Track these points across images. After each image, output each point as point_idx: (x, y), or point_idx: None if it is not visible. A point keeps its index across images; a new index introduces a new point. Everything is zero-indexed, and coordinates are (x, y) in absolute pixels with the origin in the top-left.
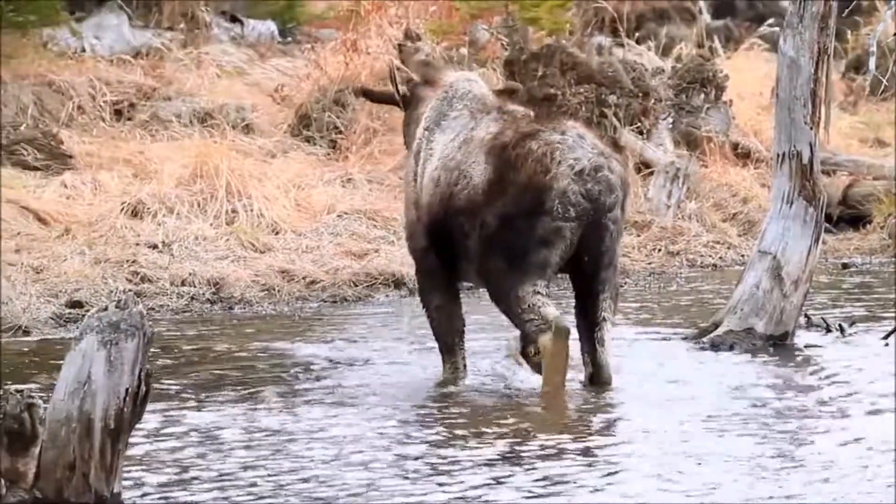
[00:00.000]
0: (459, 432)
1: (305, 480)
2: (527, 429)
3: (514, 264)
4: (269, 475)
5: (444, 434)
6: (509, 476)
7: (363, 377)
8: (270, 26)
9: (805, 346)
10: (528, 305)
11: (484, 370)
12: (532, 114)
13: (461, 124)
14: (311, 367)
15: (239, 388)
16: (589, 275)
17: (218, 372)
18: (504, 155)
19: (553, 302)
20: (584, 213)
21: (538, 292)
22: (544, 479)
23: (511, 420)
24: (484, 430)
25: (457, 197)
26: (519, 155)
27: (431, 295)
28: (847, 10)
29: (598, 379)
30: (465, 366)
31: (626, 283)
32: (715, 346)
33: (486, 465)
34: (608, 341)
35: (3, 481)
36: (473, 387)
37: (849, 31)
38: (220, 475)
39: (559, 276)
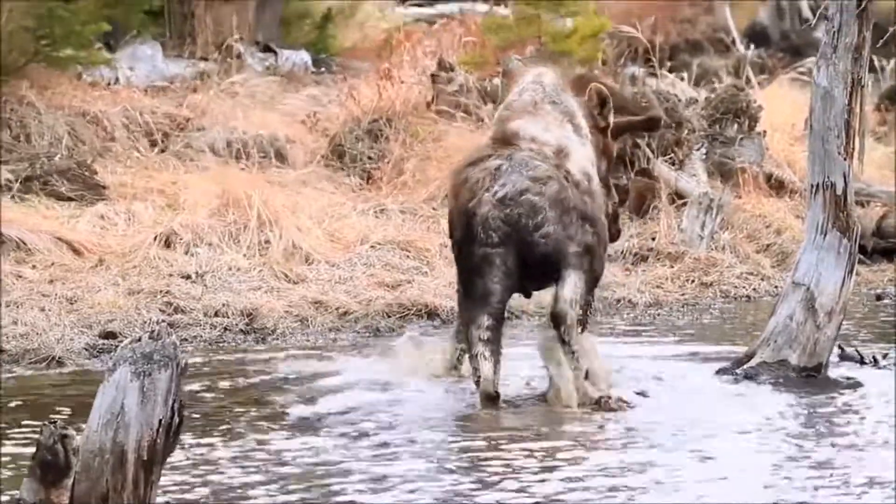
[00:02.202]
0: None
1: None
2: (534, 442)
3: (466, 293)
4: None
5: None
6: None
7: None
8: (304, 56)
9: (839, 378)
10: (474, 353)
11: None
12: (507, 132)
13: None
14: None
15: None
16: (553, 275)
17: (246, 402)
18: (453, 182)
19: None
20: (507, 237)
21: (482, 339)
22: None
23: (522, 434)
24: (502, 444)
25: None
26: (459, 182)
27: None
28: (881, 41)
29: (554, 311)
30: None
31: (659, 314)
32: (748, 378)
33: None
34: (569, 281)
35: None
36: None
37: (884, 62)
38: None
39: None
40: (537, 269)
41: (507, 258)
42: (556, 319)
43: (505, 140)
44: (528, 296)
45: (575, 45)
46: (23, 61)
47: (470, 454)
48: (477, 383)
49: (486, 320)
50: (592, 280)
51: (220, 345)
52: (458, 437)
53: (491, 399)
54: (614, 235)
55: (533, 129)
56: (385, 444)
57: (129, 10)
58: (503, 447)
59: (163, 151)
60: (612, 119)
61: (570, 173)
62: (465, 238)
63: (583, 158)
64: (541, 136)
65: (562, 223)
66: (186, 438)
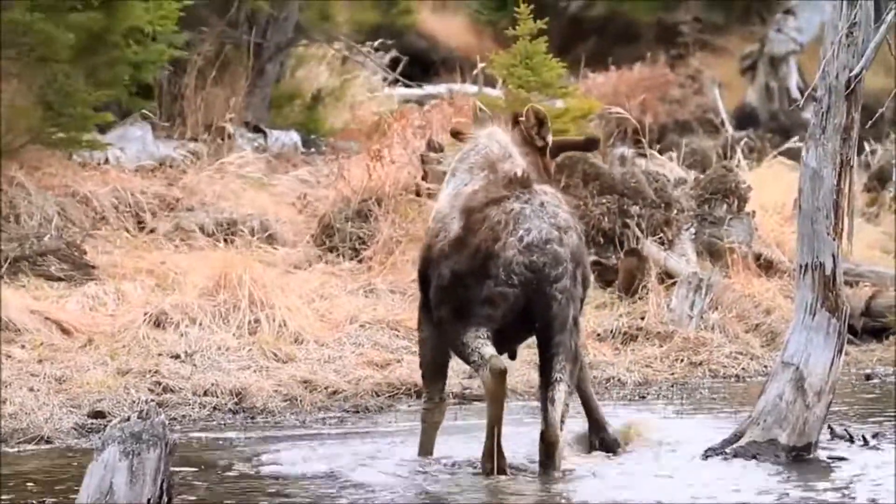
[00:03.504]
0: None
1: None
2: None
3: (460, 315)
4: None
5: None
6: None
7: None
8: (293, 137)
9: (828, 458)
10: (471, 348)
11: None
12: (518, 174)
13: (461, 179)
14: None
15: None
16: (543, 339)
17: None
18: (470, 218)
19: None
20: (528, 282)
21: (479, 336)
22: None
23: None
24: None
25: (434, 248)
26: (478, 220)
27: (419, 327)
28: (870, 122)
29: (546, 436)
30: (441, 398)
31: (648, 394)
32: (737, 457)
33: None
34: (559, 401)
35: None
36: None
37: (873, 142)
38: None
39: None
40: (537, 316)
41: (520, 299)
42: (548, 444)
43: (519, 182)
44: (513, 357)
45: (565, 125)
46: (19, 143)
47: None
48: (477, 368)
49: (483, 332)
50: (576, 357)
51: (209, 424)
52: None
53: (501, 374)
54: None
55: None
56: None
57: (120, 88)
58: None
59: (152, 231)
60: (550, 138)
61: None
62: (479, 274)
63: None
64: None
65: (574, 278)
66: None
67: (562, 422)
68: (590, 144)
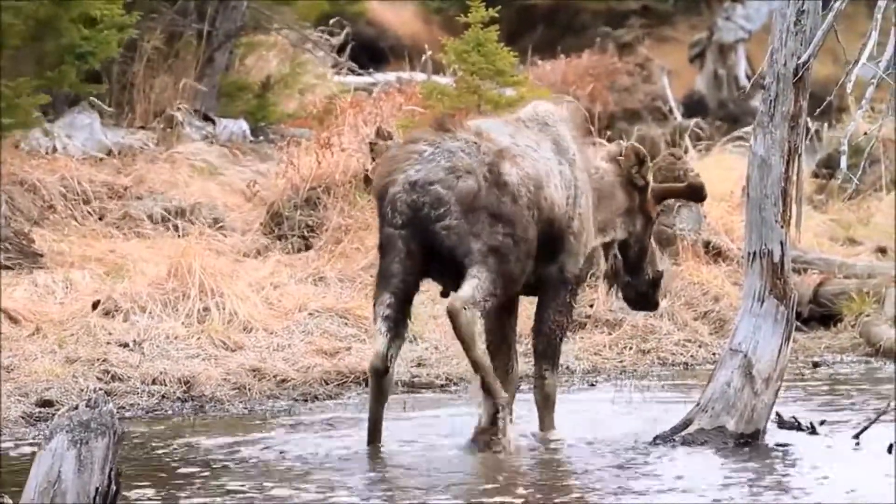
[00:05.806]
0: None
1: None
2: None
3: (378, 270)
4: None
5: None
6: None
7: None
8: (242, 125)
9: (776, 445)
10: (373, 324)
11: None
12: (466, 123)
13: None
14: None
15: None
16: (457, 271)
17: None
18: (382, 158)
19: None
20: (410, 222)
21: (381, 315)
22: None
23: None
24: None
25: None
26: (384, 159)
27: None
28: (818, 109)
29: (448, 305)
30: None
31: (597, 382)
32: (686, 444)
33: None
34: (469, 281)
35: None
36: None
37: (821, 130)
38: None
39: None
40: (445, 260)
41: (410, 242)
42: (449, 317)
43: (445, 126)
44: (444, 294)
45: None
46: None
47: None
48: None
49: (387, 298)
50: (506, 281)
51: (158, 413)
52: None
53: (378, 374)
54: (654, 305)
55: (489, 127)
56: None
57: (64, 75)
58: None
59: (101, 220)
60: (650, 178)
61: (501, 174)
62: (379, 216)
63: (544, 172)
64: (490, 134)
65: (466, 219)
66: None
67: (470, 308)
68: (693, 192)
